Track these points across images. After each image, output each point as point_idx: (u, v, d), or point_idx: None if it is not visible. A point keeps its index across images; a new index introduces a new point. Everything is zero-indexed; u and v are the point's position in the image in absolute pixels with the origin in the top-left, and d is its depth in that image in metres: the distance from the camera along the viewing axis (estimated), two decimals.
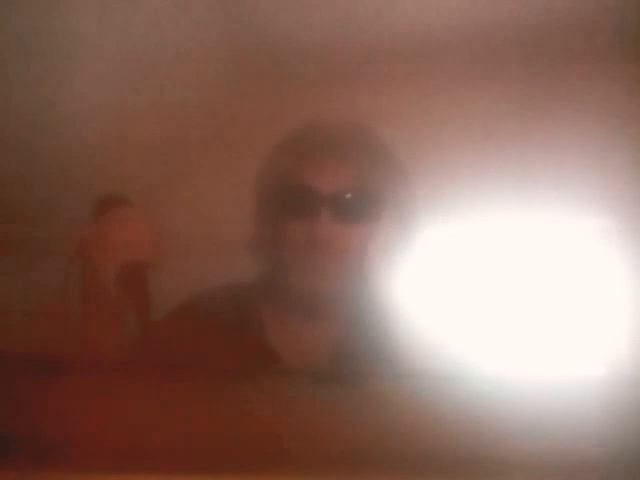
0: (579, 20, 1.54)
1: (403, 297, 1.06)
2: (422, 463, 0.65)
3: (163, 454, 0.66)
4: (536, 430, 0.66)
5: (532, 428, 0.66)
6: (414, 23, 1.57)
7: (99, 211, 0.98)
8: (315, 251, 0.96)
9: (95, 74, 1.43)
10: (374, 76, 1.59)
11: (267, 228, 1.02)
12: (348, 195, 0.97)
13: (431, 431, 0.66)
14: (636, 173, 1.53)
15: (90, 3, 1.42)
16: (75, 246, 0.96)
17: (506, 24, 1.56)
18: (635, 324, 1.53)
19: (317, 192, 0.97)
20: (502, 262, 1.60)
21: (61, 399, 0.70)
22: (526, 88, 1.61)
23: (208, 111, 1.52)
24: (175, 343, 0.95)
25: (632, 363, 1.48)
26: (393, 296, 1.03)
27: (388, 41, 1.59)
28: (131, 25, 1.45)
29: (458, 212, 1.58)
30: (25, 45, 1.38)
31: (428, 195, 1.56)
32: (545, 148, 1.59)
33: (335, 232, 0.96)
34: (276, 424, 0.67)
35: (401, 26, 1.57)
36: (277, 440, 0.66)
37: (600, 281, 1.59)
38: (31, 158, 1.45)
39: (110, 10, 1.41)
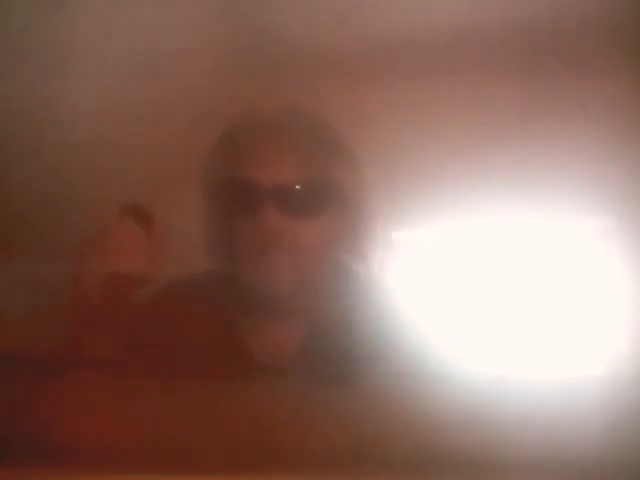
0: (579, 20, 1.54)
1: (382, 294, 1.03)
2: (421, 463, 0.65)
3: (162, 454, 0.66)
4: (536, 430, 0.66)
5: (532, 428, 0.66)
6: (414, 23, 1.57)
7: (115, 219, 0.97)
8: (264, 248, 0.92)
9: (94, 74, 1.43)
10: (374, 76, 1.59)
11: (217, 227, 0.98)
12: (294, 187, 0.92)
13: (430, 431, 0.66)
14: (636, 173, 1.53)
15: (90, 3, 1.42)
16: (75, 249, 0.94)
17: (506, 24, 1.56)
18: (635, 324, 1.53)
19: (259, 184, 0.91)
20: (502, 262, 1.60)
21: (61, 399, 0.70)
22: (526, 88, 1.61)
23: (208, 110, 1.52)
24: (151, 333, 0.93)
25: (632, 363, 1.48)
26: (363, 292, 1.00)
27: (388, 41, 1.58)
28: (131, 25, 1.45)
29: (458, 212, 1.58)
30: (25, 45, 1.38)
31: (429, 194, 1.56)
32: (545, 148, 1.59)
33: (282, 226, 0.91)
34: (274, 424, 0.67)
35: (401, 26, 1.57)
36: (275, 440, 0.66)
37: (600, 281, 1.59)
38: (31, 158, 1.45)
39: (110, 10, 1.41)
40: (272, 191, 0.91)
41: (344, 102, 1.50)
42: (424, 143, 1.56)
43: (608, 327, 1.56)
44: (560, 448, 0.65)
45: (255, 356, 0.96)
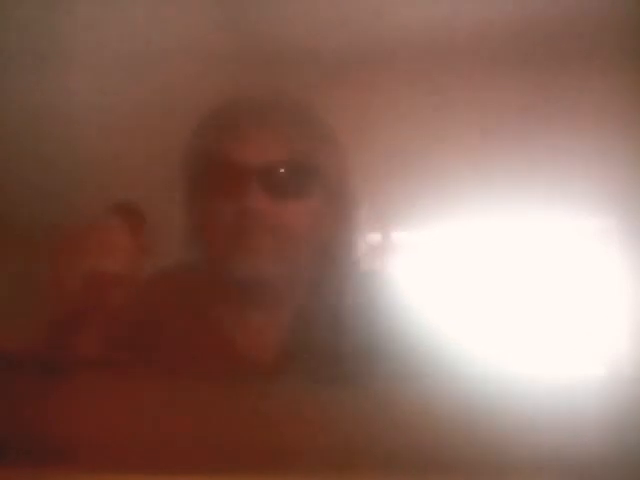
0: (579, 21, 1.54)
1: (380, 290, 1.02)
2: (421, 463, 0.65)
3: (163, 454, 0.66)
4: (536, 430, 0.66)
5: (532, 428, 0.66)
6: (413, 24, 1.57)
7: (101, 217, 0.95)
8: (248, 228, 0.90)
9: (92, 72, 1.43)
10: (374, 76, 1.59)
11: (199, 211, 0.95)
12: (279, 166, 0.90)
13: (430, 431, 0.66)
14: (636, 173, 1.53)
15: (89, 3, 1.42)
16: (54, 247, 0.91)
17: (506, 25, 1.56)
18: (635, 324, 1.53)
19: (244, 164, 0.90)
20: (501, 262, 1.60)
21: (60, 399, 0.70)
22: (526, 88, 1.61)
23: (207, 108, 1.51)
24: (134, 331, 0.91)
25: (632, 363, 1.48)
26: (351, 283, 0.98)
27: (388, 42, 1.59)
28: (130, 25, 1.45)
29: (458, 211, 1.58)
30: (24, 45, 1.38)
31: (428, 194, 1.56)
32: (545, 148, 1.59)
33: (267, 206, 0.90)
34: (275, 424, 0.67)
35: (400, 27, 1.57)
36: (276, 440, 0.66)
37: (600, 281, 1.59)
38: (30, 158, 1.45)
39: (109, 9, 1.41)
40: (257, 170, 0.89)
41: (344, 101, 1.50)
42: (424, 143, 1.56)
43: (608, 327, 1.56)
44: (560, 448, 0.65)
45: (239, 349, 0.94)
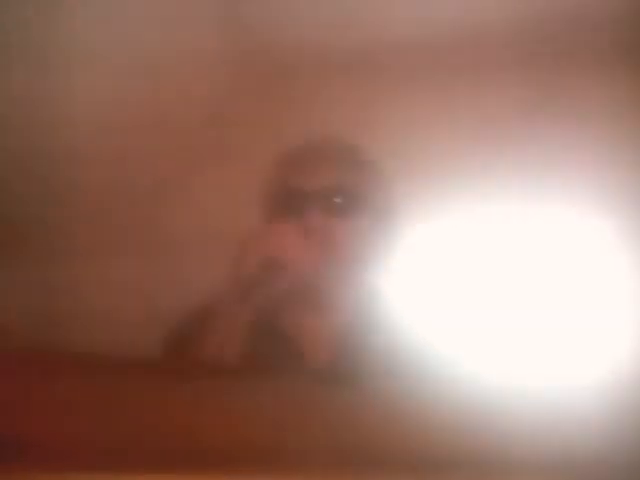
0: (579, 21, 1.54)
1: (399, 292, 1.18)
2: (423, 463, 0.65)
3: (160, 453, 0.66)
4: (536, 431, 0.66)
5: (532, 429, 0.66)
6: (413, 24, 1.57)
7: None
8: (307, 243, 1.12)
9: (92, 74, 1.43)
10: (373, 77, 1.59)
11: None
12: (333, 193, 1.15)
13: (431, 431, 0.66)
14: (636, 173, 1.53)
15: (89, 5, 1.42)
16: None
17: (507, 24, 1.56)
18: (636, 325, 1.53)
19: (305, 191, 1.15)
20: (502, 263, 1.60)
21: (54, 399, 0.70)
22: (526, 89, 1.61)
23: (208, 113, 1.52)
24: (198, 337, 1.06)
25: (632, 365, 1.48)
26: (388, 291, 1.16)
27: (387, 42, 1.59)
28: (130, 28, 1.45)
29: (459, 212, 1.58)
30: (24, 49, 1.39)
31: (431, 194, 1.56)
32: (545, 148, 1.59)
33: (322, 223, 1.13)
34: (276, 424, 0.67)
35: (400, 27, 1.57)
36: (277, 440, 0.66)
37: (600, 282, 1.59)
38: (41, 159, 1.45)
39: (110, 14, 1.41)
40: (314, 195, 1.15)
41: (344, 101, 1.50)
42: (425, 143, 1.56)
43: (609, 327, 1.56)
44: (560, 448, 0.65)
45: (296, 344, 1.13)
